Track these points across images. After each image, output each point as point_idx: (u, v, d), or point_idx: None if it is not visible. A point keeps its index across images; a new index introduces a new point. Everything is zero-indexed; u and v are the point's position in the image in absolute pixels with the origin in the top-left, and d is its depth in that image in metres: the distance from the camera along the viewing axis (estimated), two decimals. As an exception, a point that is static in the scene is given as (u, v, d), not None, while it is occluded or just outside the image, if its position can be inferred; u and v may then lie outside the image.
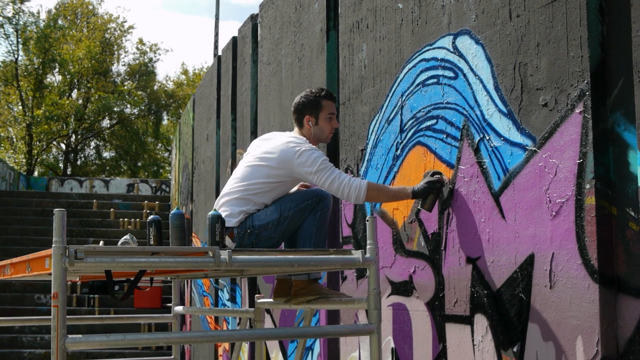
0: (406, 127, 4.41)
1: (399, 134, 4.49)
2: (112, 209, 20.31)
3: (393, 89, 4.59)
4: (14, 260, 3.93)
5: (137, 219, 19.68)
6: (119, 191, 25.73)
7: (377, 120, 4.78)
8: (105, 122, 38.08)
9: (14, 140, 35.15)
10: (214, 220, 3.63)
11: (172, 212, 3.73)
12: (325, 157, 4.09)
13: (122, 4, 67.38)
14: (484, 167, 3.69)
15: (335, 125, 4.37)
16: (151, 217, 3.77)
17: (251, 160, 4.23)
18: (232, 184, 4.22)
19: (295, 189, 4.37)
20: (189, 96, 31.72)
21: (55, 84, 36.49)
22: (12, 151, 34.96)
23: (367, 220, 3.66)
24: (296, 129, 4.35)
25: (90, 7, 37.96)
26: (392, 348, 4.47)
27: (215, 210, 3.79)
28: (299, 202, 4.13)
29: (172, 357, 5.60)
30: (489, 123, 3.66)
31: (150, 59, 39.94)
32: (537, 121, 3.35)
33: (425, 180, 4.00)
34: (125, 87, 38.44)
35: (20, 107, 34.75)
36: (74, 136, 37.41)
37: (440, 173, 4.01)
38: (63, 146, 38.10)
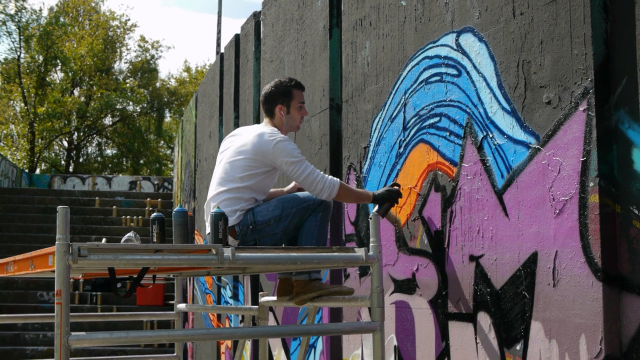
0: (409, 124, 4.41)
1: (402, 131, 4.48)
2: (114, 207, 20.31)
3: (396, 86, 4.58)
4: (17, 257, 3.94)
5: (140, 217, 19.67)
6: (122, 188, 25.73)
7: (380, 117, 4.77)
8: (108, 120, 38.09)
9: (17, 137, 35.15)
10: (217, 218, 3.63)
11: (175, 209, 3.74)
12: (299, 150, 4.18)
13: (124, 1, 67.36)
14: (487, 164, 3.69)
15: (304, 114, 4.47)
16: (154, 214, 3.78)
17: (227, 157, 4.26)
18: (215, 187, 4.24)
19: (290, 186, 4.42)
20: (192, 93, 31.73)
21: (58, 82, 36.50)
22: (14, 148, 34.97)
23: (370, 218, 3.66)
24: (266, 119, 4.39)
25: (93, 5, 37.96)
26: (395, 346, 4.47)
27: (218, 208, 3.78)
28: (301, 202, 4.16)
29: (175, 354, 5.60)
30: (493, 121, 3.66)
31: (153, 56, 39.96)
32: (540, 119, 3.34)
33: (386, 188, 4.25)
34: (128, 85, 38.43)
35: (23, 105, 34.77)
36: (76, 134, 37.43)
37: (399, 185, 4.29)
38: (65, 143, 38.12)
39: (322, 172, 4.14)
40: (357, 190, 4.36)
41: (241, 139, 4.26)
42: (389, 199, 4.22)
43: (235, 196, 4.12)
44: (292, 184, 4.49)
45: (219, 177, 4.26)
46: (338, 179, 4.16)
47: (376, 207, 4.27)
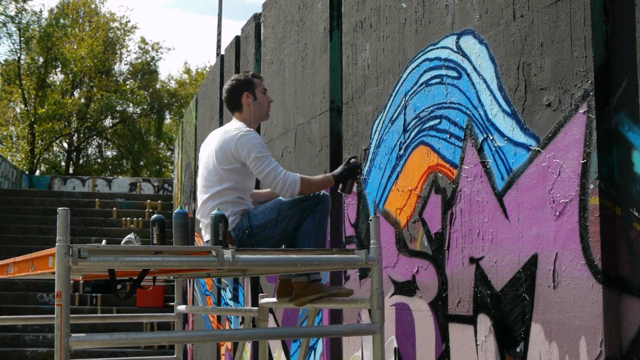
0: (409, 126, 4.41)
1: (402, 133, 4.49)
2: (114, 208, 20.31)
3: (396, 88, 4.58)
4: (17, 259, 3.93)
5: (140, 218, 19.68)
6: (122, 190, 25.73)
7: (380, 119, 4.77)
8: (108, 121, 38.10)
9: (17, 139, 35.15)
10: (217, 220, 3.63)
11: (175, 211, 3.74)
12: (264, 145, 4.12)
13: (125, 3, 67.41)
14: (488, 167, 3.69)
15: (270, 100, 4.41)
16: (154, 216, 3.78)
17: (203, 164, 4.22)
18: (200, 197, 4.19)
19: None
20: (192, 95, 31.73)
21: (58, 83, 36.51)
22: (14, 150, 34.98)
23: (371, 220, 3.66)
24: (234, 116, 4.32)
25: (93, 6, 37.98)
26: (395, 348, 4.47)
27: (218, 210, 3.78)
28: (297, 202, 4.10)
29: (175, 356, 5.60)
30: (493, 123, 3.66)
31: (153, 58, 39.97)
32: (540, 121, 3.35)
33: (343, 165, 4.19)
34: (128, 86, 38.45)
35: (23, 106, 34.78)
36: (76, 135, 37.44)
37: (355, 157, 4.25)
38: (65, 145, 38.13)
39: (284, 171, 4.06)
40: (317, 180, 4.22)
41: (211, 143, 4.22)
42: (349, 175, 4.19)
43: (220, 201, 4.06)
44: None
45: (201, 186, 4.21)
46: (298, 175, 4.08)
47: (340, 186, 4.24)
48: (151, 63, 39.97)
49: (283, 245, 4.22)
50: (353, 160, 4.22)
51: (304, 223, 4.12)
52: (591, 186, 3.04)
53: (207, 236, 4.13)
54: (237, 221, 4.05)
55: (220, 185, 4.09)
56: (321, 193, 4.18)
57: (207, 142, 4.33)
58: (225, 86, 4.37)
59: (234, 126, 4.17)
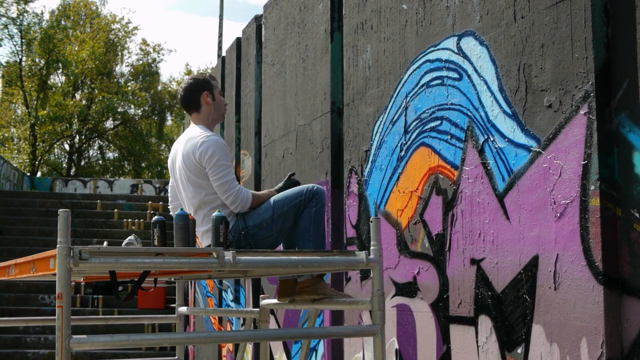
0: (410, 128, 4.41)
1: (403, 135, 4.49)
2: (115, 210, 20.31)
3: (397, 90, 4.59)
4: (19, 260, 3.93)
5: (141, 220, 19.68)
6: (123, 192, 25.73)
7: (381, 121, 4.78)
8: (109, 123, 38.11)
9: (18, 140, 35.16)
10: (218, 222, 3.63)
11: (176, 212, 3.73)
12: (229, 154, 4.08)
13: (127, 5, 67.52)
14: (489, 168, 3.69)
15: (225, 102, 4.40)
16: (155, 217, 3.77)
17: (179, 176, 4.16)
18: (189, 210, 4.13)
19: (280, 185, 4.36)
20: (193, 97, 31.58)
21: (59, 85, 36.52)
22: (16, 151, 35.00)
23: (371, 221, 3.66)
24: (193, 116, 4.26)
25: (94, 8, 38.00)
26: (397, 349, 4.47)
27: (219, 211, 3.78)
28: (292, 199, 4.09)
29: (176, 357, 5.60)
30: (494, 124, 3.66)
31: (154, 60, 39.97)
32: (541, 122, 3.35)
33: (285, 181, 4.27)
34: (129, 88, 38.46)
35: (24, 108, 34.79)
36: (77, 137, 37.45)
37: (294, 173, 4.38)
38: (67, 147, 38.14)
39: (239, 185, 4.05)
40: (264, 194, 4.21)
41: (178, 154, 4.18)
42: (286, 189, 4.19)
43: (209, 208, 4.04)
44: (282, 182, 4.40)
45: (185, 199, 4.18)
46: (250, 192, 4.08)
47: None
48: (152, 65, 39.98)
49: (282, 244, 4.21)
50: (293, 177, 4.29)
51: (300, 219, 4.10)
52: (592, 187, 3.04)
53: (205, 242, 4.14)
54: (232, 223, 4.04)
55: (200, 195, 4.07)
56: (315, 187, 4.15)
57: (173, 154, 4.28)
58: (183, 85, 4.31)
59: (196, 132, 4.11)
